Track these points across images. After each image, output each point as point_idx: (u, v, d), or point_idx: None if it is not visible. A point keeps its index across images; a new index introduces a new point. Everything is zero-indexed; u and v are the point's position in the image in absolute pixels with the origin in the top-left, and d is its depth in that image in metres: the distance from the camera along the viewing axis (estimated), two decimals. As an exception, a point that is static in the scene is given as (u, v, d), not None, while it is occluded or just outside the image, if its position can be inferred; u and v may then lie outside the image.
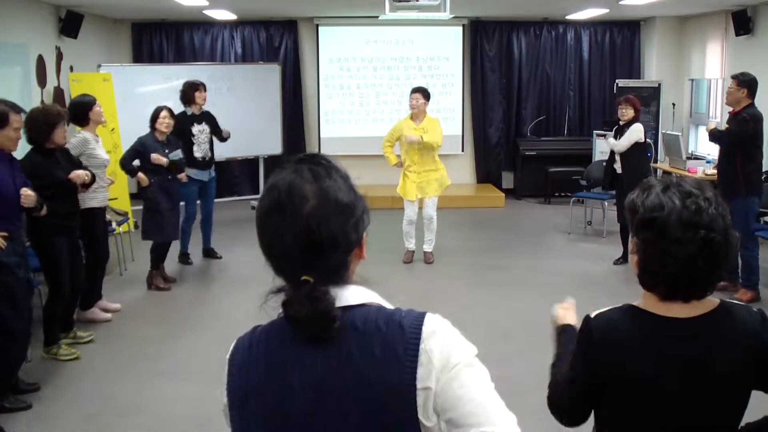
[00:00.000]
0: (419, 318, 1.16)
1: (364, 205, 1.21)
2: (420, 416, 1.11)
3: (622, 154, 6.48)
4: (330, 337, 1.14)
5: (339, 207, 1.16)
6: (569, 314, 1.85)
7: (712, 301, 1.55)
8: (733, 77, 5.63)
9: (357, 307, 1.17)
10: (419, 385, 1.11)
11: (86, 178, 4.56)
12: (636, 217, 1.53)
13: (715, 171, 5.96)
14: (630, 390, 1.54)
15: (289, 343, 1.17)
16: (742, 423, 1.59)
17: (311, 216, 1.13)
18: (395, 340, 1.13)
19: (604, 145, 9.15)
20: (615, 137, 6.61)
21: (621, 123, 6.56)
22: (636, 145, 6.44)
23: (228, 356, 1.25)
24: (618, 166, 6.59)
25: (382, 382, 1.11)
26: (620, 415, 1.59)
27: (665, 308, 1.53)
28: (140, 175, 5.79)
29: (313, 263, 1.14)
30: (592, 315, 1.59)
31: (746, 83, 5.52)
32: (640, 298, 1.61)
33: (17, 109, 3.91)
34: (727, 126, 5.65)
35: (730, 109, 5.68)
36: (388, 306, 1.20)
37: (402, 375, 1.11)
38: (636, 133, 6.40)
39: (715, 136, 5.68)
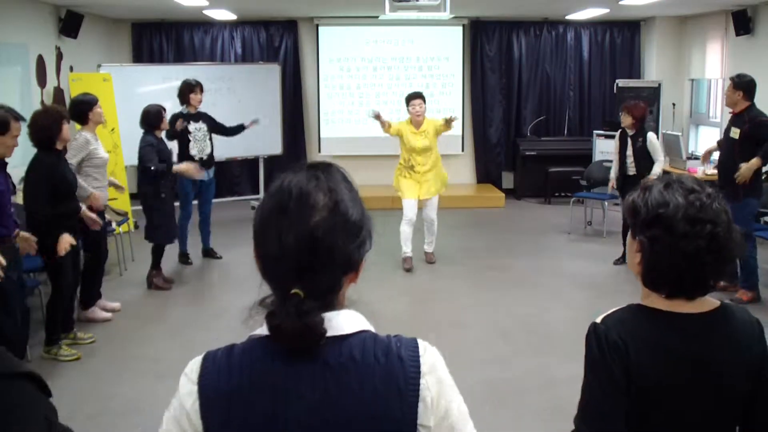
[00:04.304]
0: (414, 348, 1.15)
1: (370, 228, 1.17)
2: None
3: (637, 157, 6.47)
4: (317, 354, 1.10)
5: (348, 224, 1.12)
6: None
7: (713, 301, 1.55)
8: (730, 79, 5.61)
9: (352, 336, 1.13)
10: (419, 420, 1.11)
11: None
12: (639, 216, 1.52)
13: (716, 171, 5.94)
14: (642, 390, 1.51)
15: (281, 371, 1.10)
16: None
17: (319, 225, 1.09)
18: (396, 374, 1.11)
19: (604, 146, 9.20)
20: (621, 143, 6.61)
21: (627, 130, 6.55)
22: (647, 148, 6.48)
23: (196, 383, 1.14)
24: (628, 168, 6.58)
25: (383, 416, 1.10)
26: (630, 417, 1.54)
27: (670, 306, 1.52)
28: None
29: (307, 276, 1.09)
30: (598, 320, 1.55)
31: (741, 85, 5.47)
32: (640, 298, 1.60)
33: (18, 117, 3.94)
34: (734, 128, 5.58)
35: (730, 110, 5.68)
36: (374, 329, 1.18)
37: (404, 409, 1.10)
38: (657, 144, 6.48)
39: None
